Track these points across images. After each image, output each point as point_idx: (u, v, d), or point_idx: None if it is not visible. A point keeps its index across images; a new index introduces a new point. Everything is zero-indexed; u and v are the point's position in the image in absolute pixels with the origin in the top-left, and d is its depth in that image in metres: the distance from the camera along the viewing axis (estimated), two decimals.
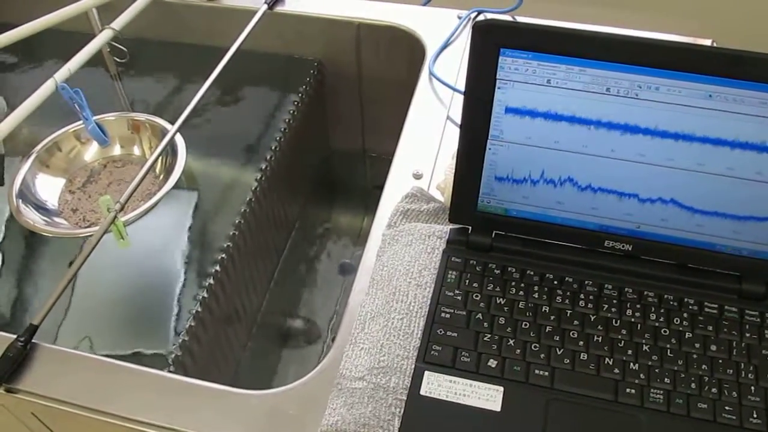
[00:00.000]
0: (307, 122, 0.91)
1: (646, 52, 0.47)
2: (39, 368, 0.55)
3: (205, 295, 0.69)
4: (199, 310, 0.68)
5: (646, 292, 0.53)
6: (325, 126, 1.00)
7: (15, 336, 0.55)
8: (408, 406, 0.49)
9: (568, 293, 0.53)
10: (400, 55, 0.86)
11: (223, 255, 0.71)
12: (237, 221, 0.74)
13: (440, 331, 0.52)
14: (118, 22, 0.81)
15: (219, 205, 0.77)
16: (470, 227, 0.57)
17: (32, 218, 0.71)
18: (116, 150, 0.80)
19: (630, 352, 0.50)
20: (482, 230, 0.56)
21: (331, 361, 0.54)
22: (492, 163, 0.53)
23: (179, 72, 0.92)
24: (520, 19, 0.81)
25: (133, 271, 0.72)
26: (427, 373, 0.50)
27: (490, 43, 0.49)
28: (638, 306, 0.53)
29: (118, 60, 0.87)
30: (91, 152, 0.80)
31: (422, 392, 0.49)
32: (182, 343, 0.65)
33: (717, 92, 0.46)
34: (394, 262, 0.59)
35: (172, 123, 0.75)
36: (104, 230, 0.63)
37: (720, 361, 0.50)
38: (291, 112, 0.85)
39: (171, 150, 0.76)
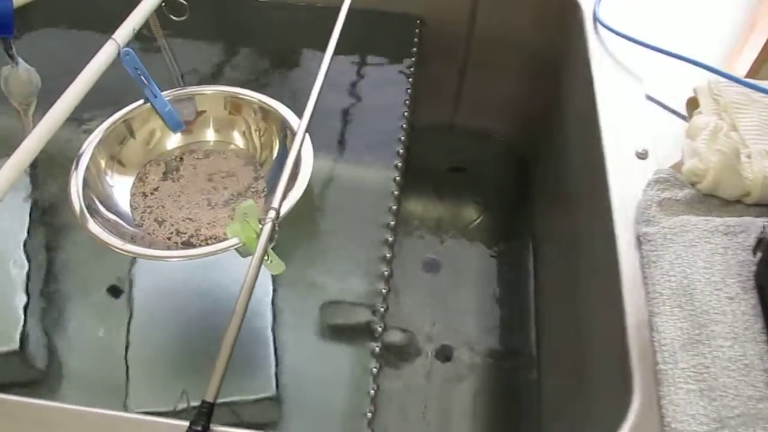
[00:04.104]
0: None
1: None
2: None
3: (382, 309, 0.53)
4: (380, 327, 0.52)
5: None
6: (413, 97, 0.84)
7: (188, 423, 0.37)
8: None
9: None
10: (531, 10, 0.72)
11: (385, 269, 0.55)
12: (391, 206, 0.58)
13: None
14: None
15: (357, 207, 0.60)
16: None
17: (108, 234, 0.50)
18: (209, 135, 0.60)
19: None
20: None
21: (640, 409, 0.41)
22: None
23: (233, 35, 0.73)
24: None
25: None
26: None
27: None
28: None
29: (175, 18, 0.66)
30: (175, 139, 0.60)
31: None
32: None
33: None
34: (682, 269, 0.45)
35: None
36: (264, 249, 0.45)
37: None
38: (410, 81, 0.69)
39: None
